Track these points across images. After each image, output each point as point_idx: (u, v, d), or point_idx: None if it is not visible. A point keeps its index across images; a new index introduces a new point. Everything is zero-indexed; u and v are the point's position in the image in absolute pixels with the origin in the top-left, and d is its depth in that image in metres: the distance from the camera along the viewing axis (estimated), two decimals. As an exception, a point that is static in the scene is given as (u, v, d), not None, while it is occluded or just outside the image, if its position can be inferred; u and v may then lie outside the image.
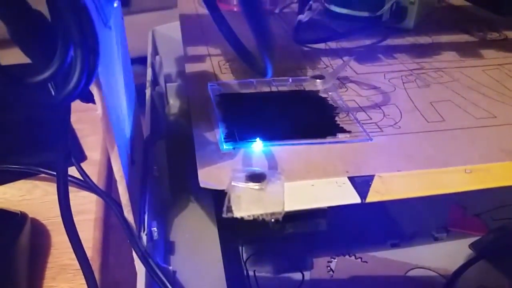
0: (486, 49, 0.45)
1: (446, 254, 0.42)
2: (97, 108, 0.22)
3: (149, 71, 0.47)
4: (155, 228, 0.29)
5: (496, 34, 0.49)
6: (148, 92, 0.43)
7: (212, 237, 0.36)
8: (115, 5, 0.25)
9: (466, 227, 0.44)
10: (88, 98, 0.23)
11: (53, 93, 0.23)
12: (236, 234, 0.39)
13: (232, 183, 0.25)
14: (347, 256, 0.40)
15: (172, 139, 0.44)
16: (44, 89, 0.22)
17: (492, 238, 0.43)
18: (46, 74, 0.19)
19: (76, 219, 0.35)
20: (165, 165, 0.37)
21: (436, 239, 0.43)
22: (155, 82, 0.47)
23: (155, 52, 0.56)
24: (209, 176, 0.26)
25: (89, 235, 0.37)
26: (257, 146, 0.29)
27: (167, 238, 0.35)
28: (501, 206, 0.47)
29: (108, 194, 0.33)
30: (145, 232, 0.28)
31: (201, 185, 0.25)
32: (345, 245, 0.41)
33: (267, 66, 0.24)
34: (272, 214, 0.23)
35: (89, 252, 0.36)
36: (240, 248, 0.40)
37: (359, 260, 0.40)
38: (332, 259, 0.40)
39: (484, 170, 0.28)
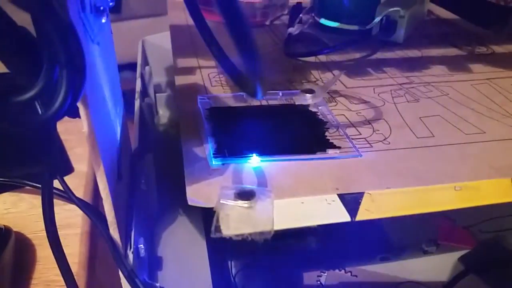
0: (475, 63, 0.45)
1: (436, 267, 0.42)
2: (83, 126, 0.22)
3: (138, 81, 0.46)
4: (141, 245, 0.29)
5: (484, 49, 0.49)
6: (137, 103, 0.43)
7: (201, 252, 0.36)
8: (103, 20, 0.25)
9: (455, 240, 0.44)
10: (75, 113, 0.23)
11: (39, 111, 0.23)
12: (225, 248, 0.39)
13: (221, 201, 0.25)
14: (337, 270, 0.40)
15: (161, 151, 0.43)
16: (30, 107, 0.22)
17: (481, 252, 0.43)
18: (32, 93, 0.19)
19: (62, 233, 0.35)
20: (153, 178, 0.37)
21: (426, 253, 0.43)
22: (144, 92, 0.47)
23: (145, 62, 0.56)
24: (197, 193, 0.26)
25: (75, 250, 0.36)
26: (254, 161, 0.29)
27: (154, 254, 0.34)
28: (490, 219, 0.47)
29: (94, 208, 0.33)
30: (132, 249, 0.27)
31: (189, 202, 0.25)
32: (335, 259, 0.41)
33: (257, 88, 0.23)
34: (261, 233, 0.23)
35: (75, 268, 0.35)
36: (229, 262, 0.39)
37: (349, 274, 0.40)
38: (322, 273, 0.40)
39: (473, 187, 0.28)
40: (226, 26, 0.20)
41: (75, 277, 0.28)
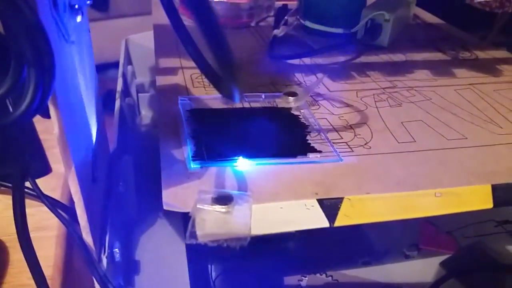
0: (458, 68, 0.46)
1: (417, 272, 0.42)
2: (53, 127, 0.21)
3: (119, 81, 0.46)
4: (116, 249, 0.28)
5: (468, 54, 0.50)
6: (117, 103, 0.42)
7: (180, 255, 0.35)
8: (79, 19, 0.24)
9: (437, 245, 0.44)
10: (49, 114, 0.22)
11: (10, 109, 0.22)
12: (205, 252, 0.38)
13: (198, 206, 0.24)
14: (318, 275, 0.40)
15: (141, 153, 0.43)
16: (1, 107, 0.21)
17: (462, 257, 0.43)
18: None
19: (37, 235, 0.34)
20: (132, 181, 0.36)
21: (407, 257, 0.43)
22: (125, 92, 0.46)
23: (128, 61, 0.55)
24: (174, 198, 0.25)
25: (50, 253, 0.35)
26: (233, 165, 0.28)
27: (131, 257, 0.34)
28: (472, 223, 0.47)
29: (68, 211, 0.32)
30: (106, 254, 0.27)
31: (165, 207, 0.24)
32: (316, 263, 0.41)
33: (233, 92, 0.23)
34: (238, 239, 0.23)
35: (49, 271, 0.34)
36: (209, 266, 0.39)
37: (330, 278, 0.40)
38: (303, 277, 0.40)
39: (453, 193, 0.28)
40: (198, 29, 0.19)
41: (49, 280, 0.28)
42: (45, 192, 0.36)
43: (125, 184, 0.35)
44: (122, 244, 0.34)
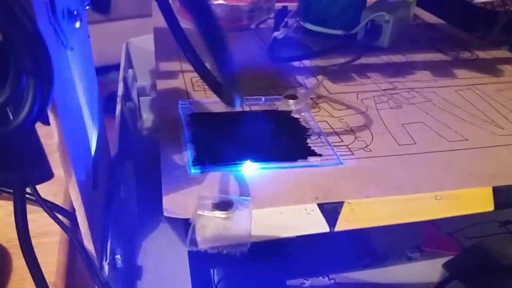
0: (459, 69, 0.45)
1: (420, 274, 0.42)
2: (53, 135, 0.21)
3: (120, 85, 0.46)
4: (118, 256, 0.28)
5: (469, 54, 0.50)
6: (118, 107, 0.42)
7: (182, 260, 0.35)
8: (77, 25, 0.24)
9: (439, 246, 0.44)
10: (49, 120, 0.22)
11: (11, 117, 0.22)
12: (207, 256, 0.38)
13: (198, 212, 0.24)
14: (320, 278, 0.40)
15: (142, 157, 0.43)
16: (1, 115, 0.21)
17: (465, 258, 0.43)
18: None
19: (40, 241, 0.34)
20: (133, 186, 0.36)
21: (410, 259, 0.43)
22: (126, 96, 0.46)
23: (129, 65, 0.55)
24: (174, 204, 0.25)
25: (53, 259, 0.35)
26: (234, 170, 0.28)
27: (134, 263, 0.34)
28: (475, 224, 0.47)
29: (71, 217, 0.32)
30: (107, 260, 0.27)
31: (165, 214, 0.24)
32: (318, 266, 0.41)
33: (234, 97, 0.23)
34: (238, 246, 0.23)
35: (52, 277, 0.34)
36: (212, 271, 0.39)
37: (333, 281, 0.40)
38: (306, 281, 0.40)
39: (454, 196, 0.28)
40: (198, 33, 0.19)
41: (52, 287, 0.28)
42: (47, 198, 0.36)
43: (126, 189, 0.35)
44: (124, 250, 0.34)
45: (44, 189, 0.36)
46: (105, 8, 1.42)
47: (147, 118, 0.54)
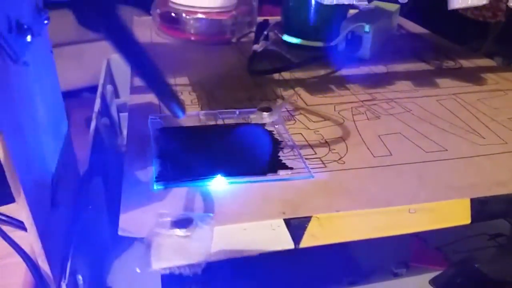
0: (442, 78, 0.45)
1: (406, 290, 0.40)
2: (-3, 151, 0.20)
3: (97, 101, 0.45)
4: (80, 276, 0.27)
5: (452, 63, 0.49)
6: (93, 124, 0.41)
7: (155, 280, 0.34)
8: (29, 39, 0.24)
9: (426, 262, 0.43)
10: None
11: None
12: (182, 278, 0.37)
13: (155, 230, 0.23)
14: (301, 296, 0.38)
15: (119, 173, 0.41)
16: None
17: (452, 273, 0.42)
18: None
19: (7, 261, 0.33)
20: (103, 204, 0.35)
21: (396, 275, 0.41)
22: (103, 113, 0.45)
23: (109, 81, 0.55)
24: (131, 222, 0.24)
25: (18, 280, 0.34)
26: (207, 184, 0.27)
27: (103, 284, 0.32)
28: (464, 238, 0.45)
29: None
30: (66, 281, 0.25)
31: (120, 232, 0.23)
32: (301, 283, 0.39)
33: (174, 109, 0.22)
34: (191, 266, 0.21)
35: (16, 300, 0.33)
36: (188, 290, 0.37)
37: (315, 299, 0.38)
38: (286, 299, 0.38)
39: (429, 209, 0.27)
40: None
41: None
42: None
43: (95, 208, 0.33)
44: (92, 270, 0.33)
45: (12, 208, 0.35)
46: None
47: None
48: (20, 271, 0.35)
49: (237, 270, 0.38)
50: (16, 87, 0.22)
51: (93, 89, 0.50)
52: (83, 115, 0.56)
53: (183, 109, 0.23)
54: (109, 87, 0.50)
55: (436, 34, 0.59)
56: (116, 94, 0.56)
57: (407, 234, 0.43)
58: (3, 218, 0.34)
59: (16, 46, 0.22)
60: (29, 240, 0.25)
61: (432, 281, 0.41)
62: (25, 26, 0.23)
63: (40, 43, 0.27)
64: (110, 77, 0.55)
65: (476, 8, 0.86)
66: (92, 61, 0.65)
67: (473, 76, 0.45)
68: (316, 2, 0.47)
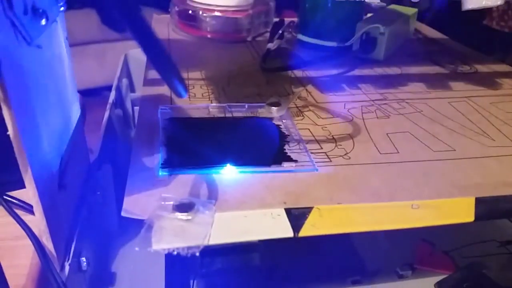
0: (456, 82, 0.44)
1: (410, 293, 0.40)
2: (8, 127, 0.21)
3: (112, 93, 0.46)
4: (83, 258, 0.27)
5: (467, 67, 0.48)
6: (106, 114, 0.42)
7: (159, 269, 0.34)
8: (43, 22, 0.24)
9: (433, 265, 0.42)
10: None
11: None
12: (186, 267, 0.37)
13: (157, 212, 0.23)
14: (305, 293, 0.38)
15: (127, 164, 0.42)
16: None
17: (459, 278, 0.41)
18: None
19: (16, 244, 0.33)
20: (111, 191, 0.36)
21: (401, 277, 0.41)
22: (117, 104, 0.46)
23: (126, 75, 0.56)
24: (135, 205, 0.25)
25: (26, 262, 0.35)
26: (203, 173, 0.28)
27: (107, 269, 0.33)
28: (473, 243, 0.45)
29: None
30: (69, 261, 0.26)
31: (123, 214, 0.24)
32: (306, 281, 0.39)
33: (178, 88, 0.23)
34: (189, 248, 0.22)
35: (22, 280, 0.34)
36: (192, 282, 0.38)
37: (318, 297, 0.38)
38: (289, 296, 0.38)
39: (432, 206, 0.26)
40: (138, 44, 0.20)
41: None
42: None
43: (103, 194, 0.34)
44: (98, 255, 0.33)
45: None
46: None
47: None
48: (27, 254, 0.36)
49: (239, 265, 0.38)
50: (28, 68, 0.23)
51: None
52: (102, 113, 0.58)
53: (185, 89, 0.23)
54: (124, 81, 0.51)
55: (461, 44, 0.58)
56: (131, 89, 0.57)
57: (414, 237, 0.43)
58: (15, 201, 0.35)
59: (30, 29, 0.23)
60: (37, 223, 0.25)
61: (437, 284, 0.40)
62: (40, 10, 0.24)
63: (55, 29, 0.28)
64: (126, 72, 0.56)
65: (502, 19, 0.85)
66: (113, 61, 0.66)
67: (488, 81, 0.45)
68: (333, 2, 0.48)
